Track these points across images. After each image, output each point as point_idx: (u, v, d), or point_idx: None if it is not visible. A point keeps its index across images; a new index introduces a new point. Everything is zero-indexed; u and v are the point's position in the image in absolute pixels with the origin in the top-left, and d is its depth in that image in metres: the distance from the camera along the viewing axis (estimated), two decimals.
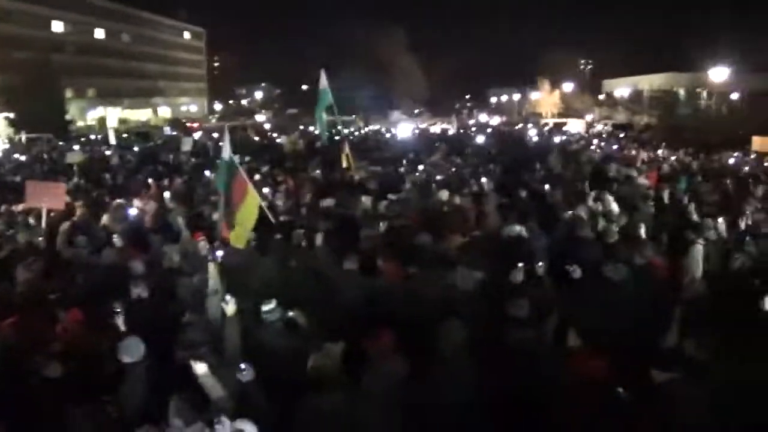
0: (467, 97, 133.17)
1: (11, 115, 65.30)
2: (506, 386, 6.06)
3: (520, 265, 8.32)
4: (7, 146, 45.32)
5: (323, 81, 20.44)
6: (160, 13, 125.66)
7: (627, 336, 7.04)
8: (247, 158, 24.55)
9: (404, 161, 24.09)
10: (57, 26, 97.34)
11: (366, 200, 14.09)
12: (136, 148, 37.35)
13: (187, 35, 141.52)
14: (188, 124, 78.43)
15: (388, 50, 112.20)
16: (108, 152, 33.14)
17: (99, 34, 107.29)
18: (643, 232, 10.62)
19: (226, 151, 10.48)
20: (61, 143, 45.29)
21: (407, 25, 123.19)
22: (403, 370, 6.28)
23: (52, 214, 14.17)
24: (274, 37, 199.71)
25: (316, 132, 32.71)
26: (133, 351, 6.38)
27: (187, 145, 31.20)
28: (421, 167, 21.48)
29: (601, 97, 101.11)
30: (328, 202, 14.20)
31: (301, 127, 57.37)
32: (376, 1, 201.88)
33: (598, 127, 61.89)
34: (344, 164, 19.85)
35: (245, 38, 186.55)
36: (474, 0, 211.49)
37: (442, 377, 6.23)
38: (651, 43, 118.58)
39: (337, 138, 26.81)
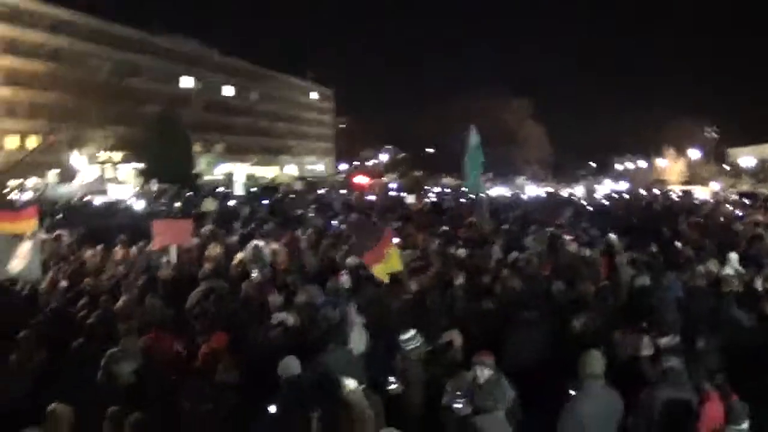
0: (593, 164, 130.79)
1: (141, 165, 66.83)
2: None
3: None
4: (138, 195, 46.83)
5: (474, 137, 20.62)
6: (289, 72, 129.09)
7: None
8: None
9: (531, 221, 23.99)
10: (185, 82, 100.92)
11: (495, 251, 15.16)
12: (265, 201, 38.44)
13: (314, 95, 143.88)
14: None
15: (514, 117, 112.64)
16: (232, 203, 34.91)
17: (227, 91, 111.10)
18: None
19: None
20: (189, 194, 46.84)
21: (533, 95, 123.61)
22: None
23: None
24: (400, 101, 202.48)
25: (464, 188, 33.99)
26: (291, 368, 7.21)
27: None
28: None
29: (726, 166, 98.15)
30: (461, 252, 15.15)
31: (426, 188, 58.75)
32: (503, 73, 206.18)
33: (722, 193, 59.70)
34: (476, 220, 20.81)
35: (372, 101, 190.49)
36: (598, 69, 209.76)
37: None
38: None
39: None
